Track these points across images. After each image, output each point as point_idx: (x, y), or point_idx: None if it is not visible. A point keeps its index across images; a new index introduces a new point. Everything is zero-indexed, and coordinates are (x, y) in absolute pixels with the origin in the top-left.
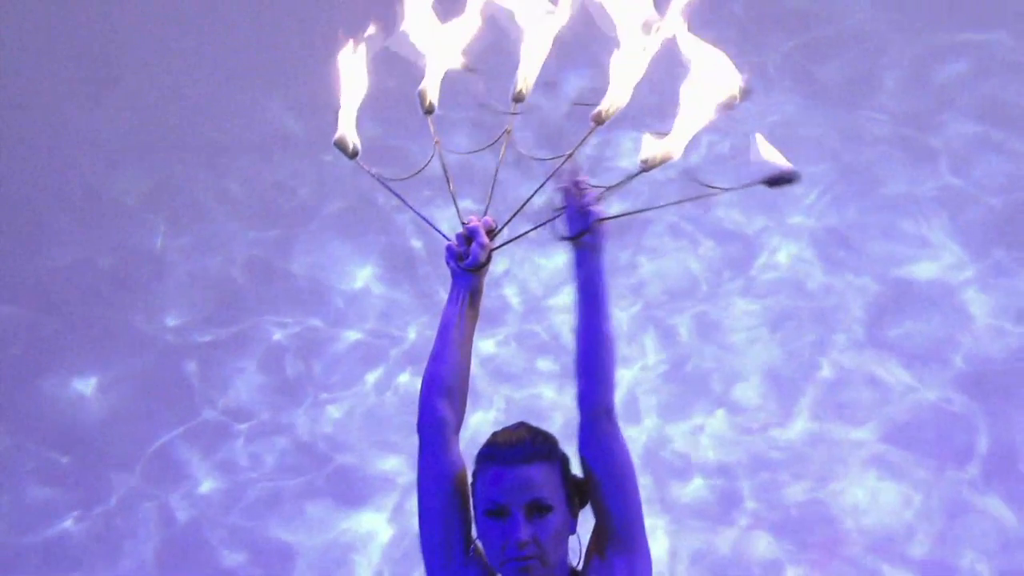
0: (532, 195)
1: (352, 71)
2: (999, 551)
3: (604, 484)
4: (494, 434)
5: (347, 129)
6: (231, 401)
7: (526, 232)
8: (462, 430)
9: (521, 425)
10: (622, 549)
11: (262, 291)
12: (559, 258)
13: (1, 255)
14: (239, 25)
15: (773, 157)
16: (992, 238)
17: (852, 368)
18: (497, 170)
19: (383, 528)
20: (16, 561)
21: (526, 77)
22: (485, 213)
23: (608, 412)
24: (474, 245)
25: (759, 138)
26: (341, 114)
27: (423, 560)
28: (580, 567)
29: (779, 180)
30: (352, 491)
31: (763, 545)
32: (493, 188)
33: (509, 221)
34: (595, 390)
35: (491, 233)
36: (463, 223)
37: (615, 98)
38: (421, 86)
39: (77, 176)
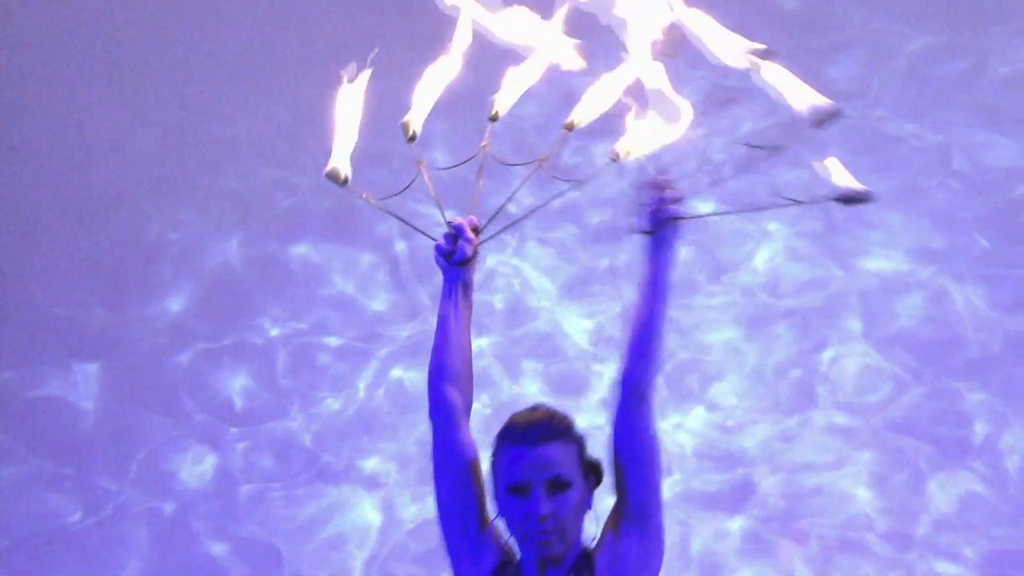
0: (512, 194)
1: (349, 103)
2: (998, 535)
3: (627, 462)
4: (513, 415)
5: (339, 161)
6: (224, 401)
7: (508, 227)
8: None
9: (539, 406)
10: (637, 527)
11: (257, 291)
12: (547, 261)
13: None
14: (241, 26)
15: (844, 177)
16: (982, 233)
17: (841, 363)
18: (479, 182)
19: (373, 526)
20: (9, 564)
21: (503, 102)
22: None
23: (643, 394)
24: (461, 241)
25: (829, 162)
26: (335, 146)
27: (442, 540)
28: (594, 546)
29: (853, 198)
30: (343, 489)
31: (742, 536)
32: (476, 195)
33: (493, 218)
34: (637, 370)
35: (476, 231)
36: (448, 223)
37: (588, 110)
38: (406, 118)
39: (78, 175)
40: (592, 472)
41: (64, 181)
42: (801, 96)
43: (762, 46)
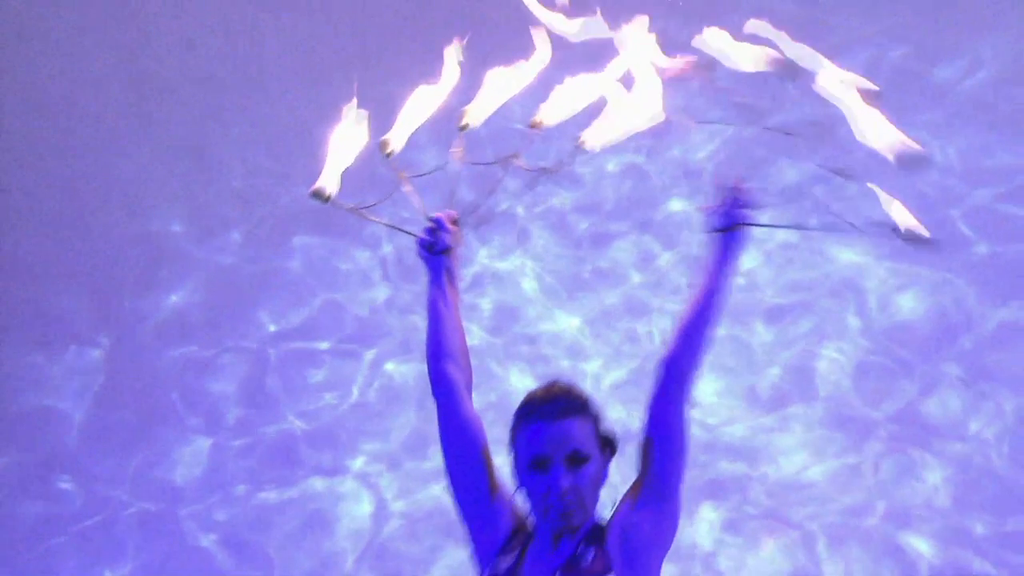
0: (491, 190)
1: (348, 132)
2: (992, 520)
3: (658, 442)
4: (531, 392)
5: (326, 180)
6: (218, 400)
7: (484, 216)
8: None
9: (556, 383)
10: (656, 503)
11: (252, 290)
12: (536, 263)
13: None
14: (244, 39)
15: (905, 217)
16: (972, 229)
17: (829, 357)
18: (454, 185)
19: (365, 522)
20: (7, 564)
21: (475, 113)
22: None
23: (683, 380)
24: (441, 232)
25: (886, 198)
26: (327, 167)
27: (457, 512)
28: (609, 517)
29: (914, 239)
30: (335, 487)
31: (724, 526)
32: (453, 192)
33: (471, 211)
34: (682, 357)
35: (455, 223)
36: (428, 217)
37: (553, 112)
38: (386, 136)
39: (87, 178)
40: (607, 445)
41: (74, 183)
42: (890, 138)
43: (874, 86)
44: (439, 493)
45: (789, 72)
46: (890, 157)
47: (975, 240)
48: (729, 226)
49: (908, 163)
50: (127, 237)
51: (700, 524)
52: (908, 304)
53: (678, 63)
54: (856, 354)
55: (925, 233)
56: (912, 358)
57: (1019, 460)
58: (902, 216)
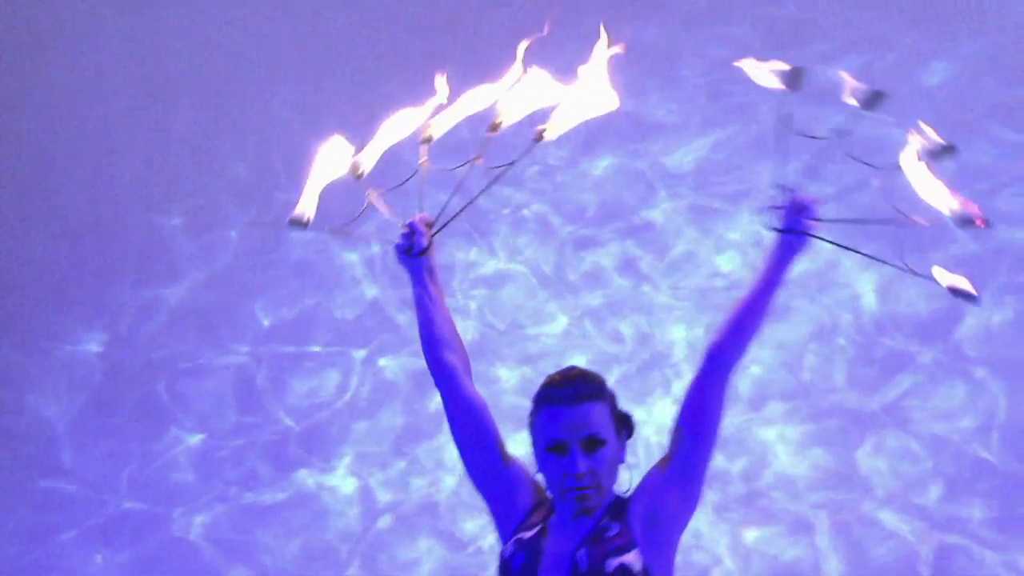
0: (454, 191)
1: (329, 161)
2: (1001, 500)
3: (690, 432)
4: (549, 377)
5: (306, 207)
6: (212, 398)
7: (454, 217)
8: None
9: (572, 368)
10: (683, 480)
11: (246, 289)
12: (524, 264)
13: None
14: (247, 33)
15: (954, 280)
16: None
17: (821, 354)
18: (421, 191)
19: (355, 520)
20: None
21: (438, 126)
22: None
23: (724, 373)
24: (416, 236)
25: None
26: (305, 193)
27: (476, 491)
28: (627, 495)
29: (961, 295)
30: (328, 484)
31: (714, 515)
32: (421, 199)
33: (442, 211)
34: (729, 349)
35: (428, 226)
36: (403, 223)
37: (509, 114)
38: (356, 156)
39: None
40: (624, 427)
41: (71, 182)
42: (944, 198)
43: (942, 141)
44: (431, 491)
45: (872, 101)
46: (948, 214)
47: (964, 236)
48: (791, 229)
49: (966, 223)
50: (123, 236)
51: (700, 517)
52: (901, 297)
53: (764, 71)
54: (848, 347)
55: (972, 291)
56: (905, 351)
57: (1013, 449)
58: (946, 277)
